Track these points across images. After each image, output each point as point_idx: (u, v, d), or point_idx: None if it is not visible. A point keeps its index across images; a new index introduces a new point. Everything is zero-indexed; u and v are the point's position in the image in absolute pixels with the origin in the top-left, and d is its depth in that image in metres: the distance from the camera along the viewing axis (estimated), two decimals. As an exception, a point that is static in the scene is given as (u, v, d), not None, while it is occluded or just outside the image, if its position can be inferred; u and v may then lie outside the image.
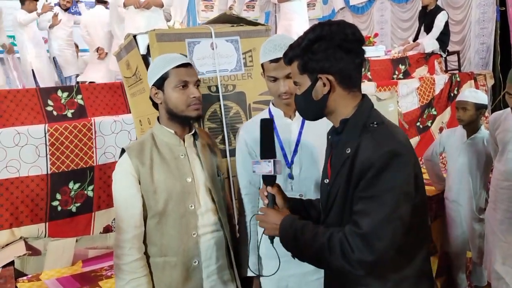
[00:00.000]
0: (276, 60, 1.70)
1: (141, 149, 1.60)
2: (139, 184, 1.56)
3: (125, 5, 4.78)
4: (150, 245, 1.61)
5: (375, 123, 1.26)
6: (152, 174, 1.58)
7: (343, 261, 1.18)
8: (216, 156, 1.80)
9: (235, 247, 1.83)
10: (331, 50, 1.24)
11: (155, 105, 1.68)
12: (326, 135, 1.53)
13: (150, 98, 1.66)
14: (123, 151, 1.61)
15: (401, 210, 1.16)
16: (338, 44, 1.24)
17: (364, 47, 1.31)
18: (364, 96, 1.34)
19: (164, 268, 1.61)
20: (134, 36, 2.25)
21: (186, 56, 2.04)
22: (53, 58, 6.40)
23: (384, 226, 1.15)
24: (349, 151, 1.25)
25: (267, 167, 1.48)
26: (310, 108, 1.35)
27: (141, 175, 1.56)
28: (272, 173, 1.47)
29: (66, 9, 6.53)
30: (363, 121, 1.27)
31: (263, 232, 1.46)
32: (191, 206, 1.62)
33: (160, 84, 1.60)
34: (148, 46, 2.21)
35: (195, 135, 1.72)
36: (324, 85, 1.27)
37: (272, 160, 1.48)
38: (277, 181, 1.83)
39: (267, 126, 1.52)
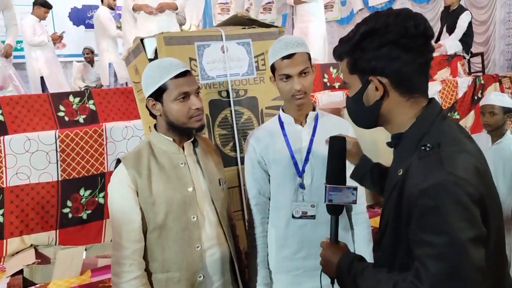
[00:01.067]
0: (288, 56, 1.61)
1: (137, 159, 1.51)
2: (137, 196, 1.47)
3: (134, 10, 4.75)
4: (151, 261, 1.51)
5: (427, 145, 1.00)
6: (151, 185, 1.49)
7: None
8: (217, 164, 1.70)
9: (240, 261, 1.73)
10: (386, 48, 1.03)
11: (152, 114, 1.57)
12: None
13: (147, 107, 1.56)
14: (118, 161, 1.52)
15: (472, 262, 0.89)
16: (395, 40, 1.02)
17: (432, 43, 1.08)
18: (430, 102, 1.10)
19: (167, 285, 1.50)
20: (142, 40, 2.17)
21: (195, 59, 1.96)
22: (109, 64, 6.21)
23: (449, 282, 0.90)
24: (400, 173, 1.06)
25: (351, 195, 1.30)
26: (361, 114, 1.17)
27: (139, 186, 1.47)
28: (355, 202, 1.31)
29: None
30: (418, 138, 1.05)
31: (321, 270, 1.30)
32: (193, 217, 1.53)
33: (158, 95, 1.49)
34: (156, 50, 2.13)
35: (194, 142, 1.63)
36: (377, 89, 1.08)
37: (356, 187, 1.31)
38: (288, 191, 1.74)
39: (338, 143, 1.34)
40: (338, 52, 1.16)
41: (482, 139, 3.12)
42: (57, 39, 5.99)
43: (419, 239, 0.95)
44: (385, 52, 1.04)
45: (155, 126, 1.60)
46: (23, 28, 5.53)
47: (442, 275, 0.90)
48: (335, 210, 1.32)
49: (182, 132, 1.54)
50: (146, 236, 1.50)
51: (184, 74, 1.49)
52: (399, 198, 1.03)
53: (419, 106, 1.09)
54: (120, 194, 1.47)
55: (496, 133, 3.02)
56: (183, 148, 1.58)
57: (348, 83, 1.17)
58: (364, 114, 1.15)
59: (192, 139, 1.60)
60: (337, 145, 1.35)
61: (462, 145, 1.02)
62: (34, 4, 5.71)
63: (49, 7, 5.77)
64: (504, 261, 1.08)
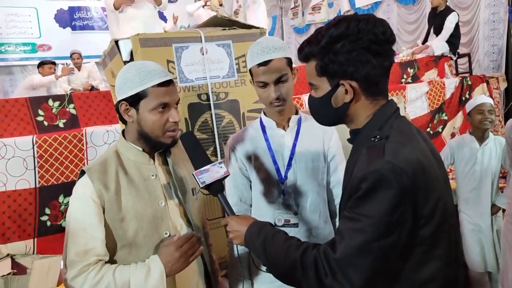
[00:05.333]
0: (264, 64, 1.55)
1: (104, 171, 1.37)
2: (103, 212, 1.33)
3: (116, 7, 4.62)
4: None
5: (377, 137, 1.08)
6: (119, 200, 1.35)
7: (317, 285, 1.06)
8: (190, 173, 1.56)
9: (214, 271, 1.65)
10: (357, 52, 1.06)
11: (122, 119, 1.43)
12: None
13: (117, 110, 1.42)
14: (82, 172, 1.38)
15: (382, 242, 0.99)
16: (366, 46, 1.06)
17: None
18: (387, 102, 1.16)
19: None
20: (116, 42, 2.09)
21: (173, 61, 1.86)
22: None
23: (359, 255, 1.00)
24: (353, 165, 1.12)
25: (220, 169, 1.36)
26: (327, 114, 1.20)
27: (106, 202, 1.33)
28: (228, 173, 1.37)
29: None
30: (371, 133, 1.11)
31: (233, 242, 1.35)
32: (166, 233, 1.41)
33: (134, 101, 1.36)
34: (132, 52, 2.05)
35: (166, 151, 1.51)
36: (346, 92, 1.11)
37: (221, 161, 1.39)
38: (269, 199, 1.68)
39: (188, 138, 1.43)
40: (305, 53, 1.15)
41: (467, 141, 3.16)
42: (67, 73, 6.06)
43: (349, 215, 1.04)
44: (356, 56, 1.07)
45: (123, 132, 1.48)
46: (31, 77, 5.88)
47: (355, 249, 1.00)
48: (214, 189, 1.37)
49: (152, 145, 1.43)
50: (115, 252, 1.37)
51: (168, 83, 1.37)
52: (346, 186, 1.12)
53: (378, 106, 1.14)
54: (81, 209, 1.33)
55: (485, 134, 3.09)
56: (153, 159, 1.47)
57: (315, 85, 1.17)
58: (331, 115, 1.18)
59: (163, 149, 1.49)
60: (188, 140, 1.42)
61: (409, 140, 1.09)
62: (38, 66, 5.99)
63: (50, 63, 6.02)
64: (452, 244, 1.13)
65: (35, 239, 2.93)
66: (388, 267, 1.04)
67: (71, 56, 6.70)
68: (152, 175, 1.44)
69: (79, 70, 6.83)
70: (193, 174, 1.35)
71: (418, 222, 1.03)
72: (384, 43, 1.08)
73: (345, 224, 1.05)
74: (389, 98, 1.18)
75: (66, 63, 6.12)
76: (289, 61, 1.61)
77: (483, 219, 3.06)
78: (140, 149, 1.44)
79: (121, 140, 1.46)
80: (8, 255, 2.84)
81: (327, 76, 1.12)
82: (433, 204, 1.04)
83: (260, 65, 1.55)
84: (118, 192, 1.36)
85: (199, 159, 1.38)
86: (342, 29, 1.07)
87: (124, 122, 1.44)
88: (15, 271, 2.62)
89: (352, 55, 1.07)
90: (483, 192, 3.05)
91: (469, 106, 3.15)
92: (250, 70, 1.62)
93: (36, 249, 2.92)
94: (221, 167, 1.36)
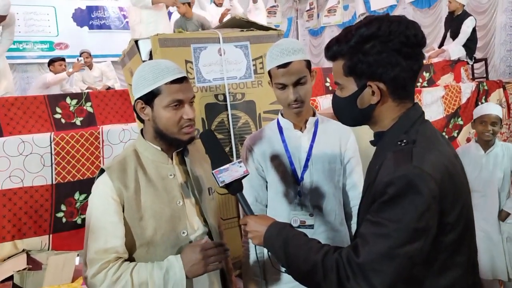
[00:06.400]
0: (284, 66, 1.56)
1: (123, 169, 1.37)
2: (123, 210, 1.34)
3: (153, 3, 4.62)
4: None
5: (404, 141, 1.07)
6: (138, 199, 1.36)
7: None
8: (207, 171, 1.56)
9: (228, 270, 1.65)
10: (387, 54, 1.05)
11: (140, 118, 1.44)
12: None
13: (134, 109, 1.43)
14: (102, 171, 1.37)
15: (407, 248, 0.98)
16: (397, 48, 1.05)
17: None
18: (413, 106, 1.14)
19: None
20: (136, 42, 2.12)
21: (191, 62, 1.88)
22: None
23: (383, 261, 0.99)
24: (377, 168, 1.10)
25: (239, 168, 1.35)
26: (351, 115, 1.18)
27: (126, 201, 1.34)
28: (248, 172, 1.36)
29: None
30: (398, 136, 1.10)
31: (251, 241, 1.34)
32: (183, 232, 1.42)
33: (148, 99, 1.37)
34: (151, 52, 2.07)
35: (184, 150, 1.51)
36: (373, 93, 1.09)
37: (240, 160, 1.39)
38: (286, 199, 1.68)
39: (208, 137, 1.42)
40: (333, 52, 1.14)
41: (473, 149, 3.13)
42: (78, 69, 6.05)
43: (373, 219, 1.02)
44: (386, 58, 1.05)
45: (141, 131, 1.49)
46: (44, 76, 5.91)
47: (379, 254, 0.98)
48: (233, 188, 1.36)
49: (169, 142, 1.43)
50: (133, 251, 1.38)
51: (181, 80, 1.37)
52: (371, 191, 1.09)
53: (404, 109, 1.13)
54: (101, 208, 1.34)
55: (491, 142, 3.05)
56: (171, 158, 1.48)
57: (341, 84, 1.16)
58: (356, 115, 1.16)
59: (181, 148, 1.50)
60: (208, 138, 1.41)
61: (436, 145, 1.08)
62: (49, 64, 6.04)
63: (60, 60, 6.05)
64: (472, 251, 1.13)
65: (51, 235, 2.97)
66: (410, 273, 1.03)
67: (80, 55, 6.78)
68: (170, 175, 1.44)
69: (90, 69, 6.90)
70: (212, 173, 1.34)
71: (443, 229, 1.02)
72: (415, 46, 1.07)
73: (369, 228, 1.03)
74: (415, 102, 1.16)
75: (78, 59, 6.15)
76: (308, 63, 1.61)
77: (491, 225, 3.02)
78: (159, 148, 1.44)
79: (139, 139, 1.47)
80: (23, 250, 2.89)
81: (355, 76, 1.11)
82: (459, 211, 1.04)
83: (279, 67, 1.56)
84: (137, 191, 1.37)
85: (219, 158, 1.37)
86: (373, 29, 1.06)
87: (142, 121, 1.46)
88: (31, 266, 2.66)
89: (381, 56, 1.05)
90: (490, 199, 3.01)
91: (475, 114, 3.12)
92: (269, 72, 1.63)
93: (51, 245, 2.96)
94: (240, 166, 1.35)
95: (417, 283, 1.06)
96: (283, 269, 1.26)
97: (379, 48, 1.05)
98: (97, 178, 1.39)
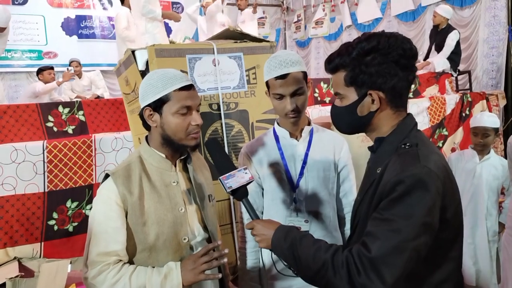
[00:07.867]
0: (282, 77, 1.60)
1: (128, 176, 1.41)
2: (126, 215, 1.38)
3: (163, 16, 5.14)
4: None
5: (407, 144, 1.16)
6: (142, 205, 1.39)
7: (348, 285, 1.08)
8: (207, 179, 1.64)
9: (226, 276, 1.69)
10: (387, 65, 1.15)
11: (146, 125, 1.48)
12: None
13: (141, 116, 1.47)
14: (107, 176, 1.41)
15: (417, 242, 1.05)
16: (395, 60, 1.15)
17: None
18: (408, 114, 1.25)
19: None
20: (133, 52, 2.17)
21: (186, 72, 1.92)
22: None
23: (394, 254, 1.04)
24: (379, 171, 1.18)
25: (245, 175, 1.40)
26: (351, 122, 1.26)
27: (130, 206, 1.37)
28: (253, 178, 1.41)
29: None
30: (398, 141, 1.19)
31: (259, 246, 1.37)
32: (185, 238, 1.45)
33: (157, 106, 1.41)
34: (147, 61, 2.12)
35: (187, 158, 1.55)
36: (373, 102, 1.19)
37: (246, 167, 1.43)
38: (282, 206, 1.73)
39: (213, 145, 1.49)
40: (335, 64, 1.22)
41: (467, 156, 3.21)
42: (68, 78, 6.04)
43: (382, 217, 1.08)
44: (386, 69, 1.15)
45: (146, 138, 1.52)
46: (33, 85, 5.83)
47: (392, 248, 1.04)
48: (239, 194, 1.40)
49: (176, 148, 1.47)
50: (134, 256, 1.42)
51: (189, 87, 1.42)
52: (375, 191, 1.15)
53: (400, 117, 1.23)
54: (105, 212, 1.37)
55: (485, 151, 3.12)
56: (175, 165, 1.51)
57: (341, 94, 1.24)
58: (355, 123, 1.25)
59: (185, 156, 1.54)
60: (213, 146, 1.48)
61: (434, 149, 1.20)
62: (38, 73, 5.95)
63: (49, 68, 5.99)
64: (461, 247, 1.22)
65: (42, 243, 2.98)
66: (411, 268, 1.08)
67: (69, 64, 6.78)
68: (173, 182, 1.47)
69: (79, 77, 6.89)
70: (220, 179, 1.38)
71: (442, 225, 1.10)
72: (411, 58, 1.17)
73: (378, 225, 1.08)
74: (408, 112, 1.26)
75: (67, 68, 6.14)
76: (305, 74, 1.67)
77: (478, 232, 3.10)
78: (163, 155, 1.47)
79: (145, 146, 1.50)
80: (15, 258, 2.88)
81: (355, 86, 1.19)
82: (455, 208, 1.13)
83: (278, 78, 1.61)
84: (141, 197, 1.40)
85: (225, 165, 1.42)
86: (374, 43, 1.15)
87: (148, 128, 1.49)
88: (23, 273, 2.66)
89: (382, 67, 1.15)
90: (479, 206, 3.09)
91: (471, 123, 3.19)
92: (267, 82, 1.67)
93: (42, 253, 2.97)
94: (246, 173, 1.40)
95: (415, 277, 1.13)
96: (289, 272, 1.30)
97: (379, 60, 1.15)
98: (102, 182, 1.42)
